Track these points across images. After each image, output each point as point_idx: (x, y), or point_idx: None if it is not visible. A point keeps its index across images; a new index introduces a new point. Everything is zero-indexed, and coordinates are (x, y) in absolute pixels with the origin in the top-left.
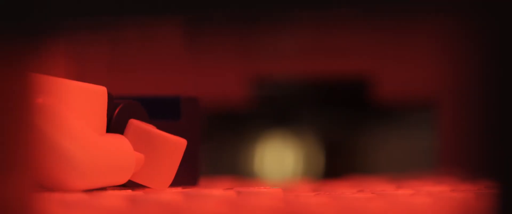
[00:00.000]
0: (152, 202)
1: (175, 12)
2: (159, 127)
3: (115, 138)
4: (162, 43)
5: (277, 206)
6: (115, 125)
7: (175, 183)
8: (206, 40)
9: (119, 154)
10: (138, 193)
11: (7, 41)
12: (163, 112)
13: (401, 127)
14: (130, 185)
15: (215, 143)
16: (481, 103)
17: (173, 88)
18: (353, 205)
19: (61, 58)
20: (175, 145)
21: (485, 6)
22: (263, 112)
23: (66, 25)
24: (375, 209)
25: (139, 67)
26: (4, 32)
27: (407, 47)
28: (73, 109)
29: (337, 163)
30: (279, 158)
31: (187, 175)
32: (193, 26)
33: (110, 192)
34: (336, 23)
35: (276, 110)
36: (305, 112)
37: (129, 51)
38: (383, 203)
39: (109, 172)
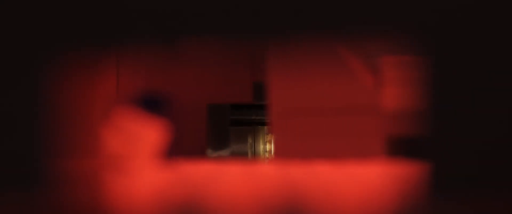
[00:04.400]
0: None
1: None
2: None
3: None
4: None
5: (272, 174)
6: None
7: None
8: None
9: None
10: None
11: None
12: (148, 106)
13: None
14: None
15: (222, 137)
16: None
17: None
18: (318, 173)
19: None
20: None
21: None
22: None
23: (119, 41)
24: (327, 176)
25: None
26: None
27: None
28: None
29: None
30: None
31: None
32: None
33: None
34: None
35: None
36: None
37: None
38: (339, 174)
39: None
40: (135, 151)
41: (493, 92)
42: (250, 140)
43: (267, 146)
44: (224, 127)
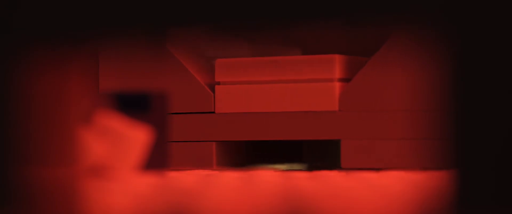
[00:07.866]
0: (176, 184)
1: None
2: (129, 119)
3: None
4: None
5: (277, 182)
6: None
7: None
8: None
9: None
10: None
11: (51, 47)
12: (135, 105)
13: None
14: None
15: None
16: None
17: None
18: (332, 182)
19: (93, 61)
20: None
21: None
22: None
23: (96, 34)
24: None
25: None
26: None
27: None
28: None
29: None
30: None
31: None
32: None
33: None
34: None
35: None
36: None
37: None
38: (355, 182)
39: None
40: (118, 157)
41: None
42: None
43: None
44: None
